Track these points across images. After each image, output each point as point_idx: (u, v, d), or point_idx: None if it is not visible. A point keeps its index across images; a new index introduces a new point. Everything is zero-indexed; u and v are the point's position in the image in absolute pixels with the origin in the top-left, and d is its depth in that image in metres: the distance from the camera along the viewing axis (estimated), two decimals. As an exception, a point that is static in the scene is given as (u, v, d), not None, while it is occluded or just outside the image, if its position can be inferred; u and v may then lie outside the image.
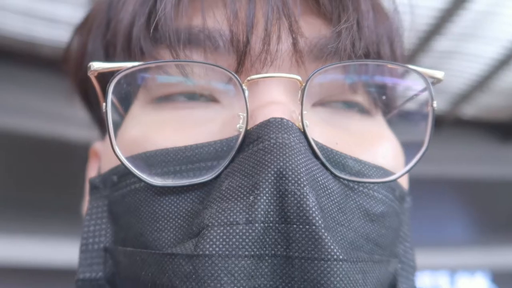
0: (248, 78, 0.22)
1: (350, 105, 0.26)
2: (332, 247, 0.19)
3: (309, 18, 0.24)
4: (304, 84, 0.22)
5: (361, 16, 0.24)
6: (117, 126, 0.25)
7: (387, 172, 0.24)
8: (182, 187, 0.22)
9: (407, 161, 0.26)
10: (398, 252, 0.25)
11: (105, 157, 0.27)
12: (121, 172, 0.24)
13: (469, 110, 2.09)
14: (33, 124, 1.49)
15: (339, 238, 0.20)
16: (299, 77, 0.22)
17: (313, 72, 0.22)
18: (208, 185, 0.22)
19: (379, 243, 0.23)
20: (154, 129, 0.24)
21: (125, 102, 0.25)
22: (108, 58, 0.28)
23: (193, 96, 0.24)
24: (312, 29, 0.24)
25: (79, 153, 0.34)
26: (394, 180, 0.24)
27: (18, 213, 1.61)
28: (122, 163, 0.22)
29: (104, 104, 0.22)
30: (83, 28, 0.32)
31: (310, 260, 0.19)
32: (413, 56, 1.66)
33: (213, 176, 0.21)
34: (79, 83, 0.32)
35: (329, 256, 0.19)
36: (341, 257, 0.19)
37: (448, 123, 2.02)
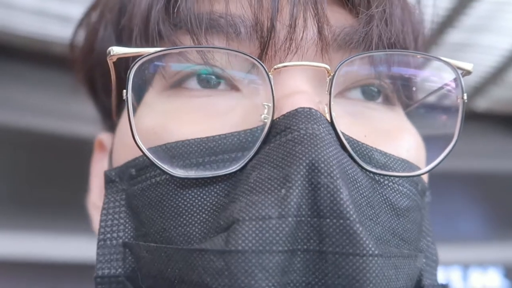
0: (275, 66, 0.22)
1: (371, 95, 0.25)
2: (367, 242, 0.18)
3: (335, 7, 0.24)
4: (332, 74, 0.22)
5: (391, 3, 0.24)
6: None
7: (412, 166, 0.24)
8: (206, 180, 0.21)
9: (428, 155, 0.25)
10: (422, 247, 0.25)
11: (120, 149, 0.26)
12: (140, 165, 0.23)
13: (483, 103, 2.06)
14: (45, 122, 1.51)
15: (369, 233, 0.20)
16: (328, 66, 0.22)
17: (343, 61, 0.22)
18: (233, 177, 0.21)
19: (404, 238, 0.22)
20: (173, 119, 0.23)
21: (138, 90, 0.25)
22: (121, 43, 0.27)
23: (210, 85, 0.24)
24: (337, 18, 0.23)
25: (91, 150, 0.34)
26: (422, 174, 0.24)
27: (32, 210, 1.64)
28: (146, 156, 0.21)
29: (124, 91, 0.21)
30: (92, 14, 0.31)
31: (345, 256, 0.18)
32: (425, 50, 1.63)
33: (238, 167, 0.21)
34: (87, 70, 0.31)
35: (364, 252, 0.18)
36: (376, 252, 0.18)
37: (461, 117, 1.98)
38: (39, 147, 1.55)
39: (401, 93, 0.26)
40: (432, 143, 0.25)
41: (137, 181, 0.23)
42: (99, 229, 0.23)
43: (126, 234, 0.23)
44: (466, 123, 0.24)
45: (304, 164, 0.19)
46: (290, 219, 0.18)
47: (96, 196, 0.32)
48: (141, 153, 0.22)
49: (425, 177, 0.26)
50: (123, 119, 0.26)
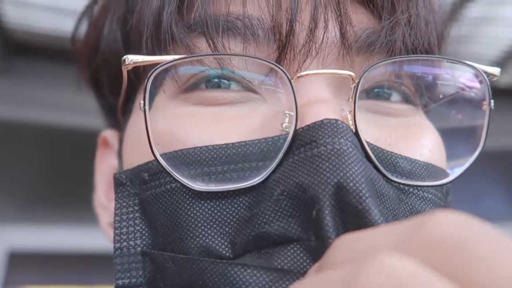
0: (298, 74, 0.21)
1: (385, 96, 0.24)
2: None
3: (357, 7, 0.23)
4: (357, 81, 0.21)
5: (416, 6, 0.23)
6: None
7: (437, 170, 0.23)
8: (227, 191, 0.21)
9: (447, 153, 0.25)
10: None
11: (131, 150, 0.25)
12: (153, 170, 0.22)
13: (505, 78, 2.00)
14: (65, 117, 1.53)
15: None
16: (353, 74, 0.21)
17: (367, 67, 0.21)
18: (255, 189, 0.20)
19: None
20: (190, 124, 0.22)
21: (149, 94, 0.24)
22: (128, 44, 0.26)
23: (228, 90, 0.23)
24: (360, 18, 0.23)
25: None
26: (448, 183, 0.23)
27: (53, 203, 1.68)
28: (167, 171, 0.20)
29: (141, 102, 0.21)
30: (96, 10, 0.31)
31: None
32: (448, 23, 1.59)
33: (261, 179, 0.20)
34: (93, 69, 0.31)
35: None
36: None
37: (483, 93, 1.93)
38: (60, 142, 1.58)
39: (424, 94, 0.25)
40: (450, 139, 0.25)
41: (150, 186, 0.22)
42: (114, 236, 0.23)
43: (144, 242, 0.23)
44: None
45: (332, 183, 0.18)
46: (330, 240, 0.18)
47: (102, 194, 0.32)
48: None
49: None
50: (135, 121, 0.26)
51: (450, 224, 0.12)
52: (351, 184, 0.18)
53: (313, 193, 0.18)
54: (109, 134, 0.32)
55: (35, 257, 1.71)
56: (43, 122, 1.54)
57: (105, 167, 0.32)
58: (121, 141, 0.28)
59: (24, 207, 1.71)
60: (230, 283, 0.19)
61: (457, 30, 1.71)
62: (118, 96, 0.27)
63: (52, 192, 1.68)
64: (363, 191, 0.18)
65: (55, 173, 1.67)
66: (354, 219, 0.18)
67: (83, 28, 0.33)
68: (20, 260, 1.70)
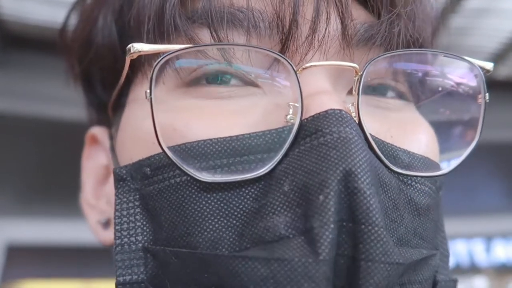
0: (304, 66, 0.21)
1: (382, 92, 0.25)
2: (395, 250, 0.18)
3: (355, 5, 0.23)
4: (361, 73, 0.21)
5: (414, 2, 0.24)
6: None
7: (432, 164, 0.24)
8: (232, 183, 0.21)
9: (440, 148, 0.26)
10: (437, 243, 0.25)
11: (129, 145, 0.25)
12: (156, 164, 0.22)
13: (503, 71, 2.00)
14: (62, 111, 1.53)
15: (391, 236, 0.20)
16: (357, 66, 0.22)
17: (371, 59, 0.22)
18: (261, 180, 0.20)
19: (424, 236, 0.23)
20: (192, 117, 0.22)
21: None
22: (124, 36, 0.26)
23: (230, 83, 0.23)
24: (357, 14, 0.23)
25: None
26: (446, 174, 0.23)
27: (52, 196, 1.68)
28: (175, 164, 0.20)
29: (147, 91, 0.20)
30: (88, 3, 0.30)
31: (377, 263, 0.18)
32: (443, 18, 1.58)
33: (267, 170, 0.20)
34: (85, 64, 0.30)
35: (392, 260, 0.18)
36: (400, 261, 0.19)
37: (482, 86, 1.93)
38: (58, 135, 1.57)
39: (417, 90, 0.26)
40: (446, 132, 0.26)
41: (153, 181, 0.22)
42: (114, 233, 0.22)
43: (145, 238, 0.22)
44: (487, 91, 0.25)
45: (341, 168, 0.19)
46: (332, 226, 0.18)
47: (89, 193, 0.31)
48: (156, 151, 0.21)
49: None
50: (132, 115, 0.25)
51: None
52: (358, 170, 0.19)
53: (321, 179, 0.19)
54: (98, 131, 0.31)
55: (34, 251, 1.72)
56: (40, 115, 1.54)
57: (93, 165, 0.32)
58: (111, 137, 0.27)
59: (22, 200, 1.71)
60: (233, 276, 0.19)
61: (456, 22, 1.70)
62: (110, 91, 0.27)
63: (50, 185, 1.68)
64: (369, 178, 0.19)
65: (53, 166, 1.67)
66: (361, 205, 0.18)
67: (72, 21, 0.32)
68: (19, 254, 1.70)
